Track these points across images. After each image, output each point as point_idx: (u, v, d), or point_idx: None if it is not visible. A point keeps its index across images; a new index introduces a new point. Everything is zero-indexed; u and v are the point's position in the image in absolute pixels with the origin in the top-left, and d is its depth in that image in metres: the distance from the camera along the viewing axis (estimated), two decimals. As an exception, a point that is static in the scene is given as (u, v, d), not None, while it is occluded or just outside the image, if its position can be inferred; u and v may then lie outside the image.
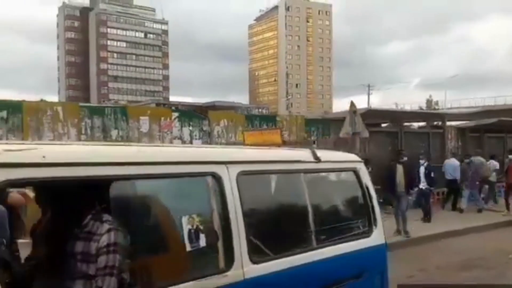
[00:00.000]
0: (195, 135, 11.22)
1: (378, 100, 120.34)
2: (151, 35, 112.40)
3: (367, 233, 3.63)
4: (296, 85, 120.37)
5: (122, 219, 2.27)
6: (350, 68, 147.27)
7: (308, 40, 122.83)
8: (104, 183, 2.23)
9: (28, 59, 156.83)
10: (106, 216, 2.30)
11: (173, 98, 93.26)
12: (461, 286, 6.25)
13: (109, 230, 2.21)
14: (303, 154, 3.34)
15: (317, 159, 3.34)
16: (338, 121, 13.31)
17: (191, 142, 11.03)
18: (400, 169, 9.89)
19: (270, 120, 13.53)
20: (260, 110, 79.24)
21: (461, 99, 57.54)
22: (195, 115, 12.00)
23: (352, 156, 3.86)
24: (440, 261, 8.07)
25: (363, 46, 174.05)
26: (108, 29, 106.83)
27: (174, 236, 2.40)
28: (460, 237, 9.91)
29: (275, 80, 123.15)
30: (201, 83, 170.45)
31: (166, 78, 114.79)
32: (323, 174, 3.53)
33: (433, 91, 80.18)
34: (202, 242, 2.45)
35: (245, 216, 2.66)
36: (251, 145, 3.84)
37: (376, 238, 3.69)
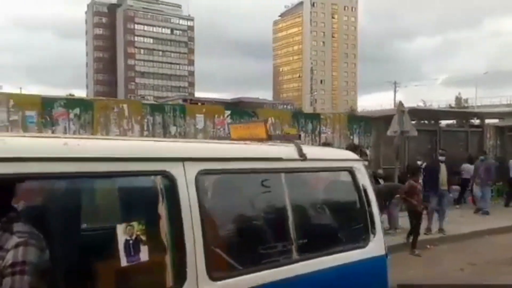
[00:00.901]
0: None
1: (404, 97, 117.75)
2: (177, 31, 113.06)
3: (363, 243, 3.13)
4: (321, 81, 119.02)
5: (39, 227, 1.86)
6: (375, 64, 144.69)
7: (333, 36, 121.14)
8: (17, 182, 1.82)
9: (57, 55, 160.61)
10: (18, 226, 1.85)
11: (198, 94, 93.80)
12: (461, 286, 6.44)
13: (17, 245, 1.78)
14: (286, 150, 2.87)
15: (303, 157, 2.86)
16: (379, 119, 13.53)
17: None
18: (443, 167, 10.11)
19: (314, 118, 13.41)
20: (285, 106, 78.73)
21: (492, 97, 55.34)
22: (246, 113, 12.22)
23: (348, 154, 3.36)
24: (490, 255, 8.25)
25: (388, 41, 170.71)
26: (136, 25, 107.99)
27: (106, 249, 1.98)
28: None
29: (299, 76, 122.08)
30: (224, 79, 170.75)
31: (191, 73, 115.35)
32: (310, 174, 3.04)
33: (459, 88, 77.42)
34: (144, 255, 2.02)
35: (203, 224, 2.22)
36: (236, 140, 3.37)
37: (374, 248, 3.19)
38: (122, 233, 1.98)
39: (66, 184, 2.01)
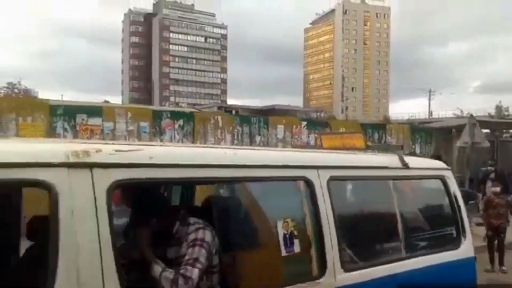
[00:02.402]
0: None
1: (437, 104, 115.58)
2: (211, 39, 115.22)
3: (456, 245, 3.44)
4: (352, 88, 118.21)
5: (216, 221, 2.31)
6: (407, 71, 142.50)
7: (365, 44, 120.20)
8: (198, 184, 2.26)
9: (91, 62, 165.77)
10: (192, 219, 2.37)
11: (229, 101, 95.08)
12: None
13: (197, 229, 2.31)
14: (391, 160, 3.22)
15: (406, 166, 3.21)
16: (439, 130, 14.40)
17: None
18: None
19: (380, 128, 14.29)
20: (318, 113, 78.77)
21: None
22: (320, 124, 13.58)
23: (439, 164, 3.68)
24: None
25: (420, 47, 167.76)
26: (171, 34, 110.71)
27: (270, 240, 2.39)
28: None
29: (330, 84, 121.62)
30: (255, 86, 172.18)
31: (224, 81, 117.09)
32: (411, 181, 3.39)
33: (493, 95, 75.52)
34: (296, 247, 2.43)
35: (336, 223, 2.60)
36: (329, 149, 3.75)
37: (465, 250, 3.49)
38: (280, 228, 2.39)
39: (233, 186, 2.45)
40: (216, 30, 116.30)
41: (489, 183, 10.73)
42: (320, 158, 2.79)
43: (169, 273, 2.13)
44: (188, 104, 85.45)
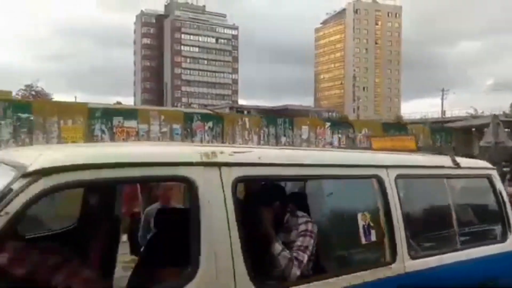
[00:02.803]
0: (342, 141, 13.17)
1: (449, 103, 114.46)
2: (222, 40, 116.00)
3: (502, 239, 3.74)
4: (363, 88, 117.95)
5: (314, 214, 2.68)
6: (418, 70, 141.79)
7: (376, 43, 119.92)
8: (299, 181, 2.62)
9: (101, 63, 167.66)
10: (300, 213, 2.77)
11: (241, 101, 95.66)
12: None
13: (306, 222, 2.71)
14: (444, 160, 3.54)
15: (457, 165, 3.52)
16: (459, 129, 14.67)
17: (339, 147, 12.74)
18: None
19: (402, 128, 15.02)
20: (329, 113, 78.90)
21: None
22: (343, 125, 14.11)
23: (486, 164, 3.99)
24: None
25: (432, 46, 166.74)
26: (182, 35, 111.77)
27: (353, 230, 2.74)
28: None
29: (341, 83, 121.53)
30: (265, 86, 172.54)
31: (235, 82, 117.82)
32: (462, 179, 3.70)
33: (507, 94, 74.94)
34: (373, 237, 2.77)
35: (403, 215, 2.94)
36: (379, 150, 4.09)
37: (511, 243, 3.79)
38: (360, 219, 2.74)
39: (319, 182, 2.81)
40: (227, 31, 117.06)
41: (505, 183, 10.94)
42: (388, 159, 3.14)
43: (287, 253, 2.51)
44: (199, 105, 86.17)
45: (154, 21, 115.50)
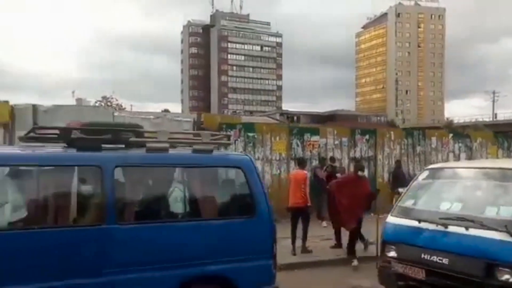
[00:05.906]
0: (462, 150, 15.12)
1: (496, 105, 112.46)
2: (267, 48, 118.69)
3: None
4: (406, 91, 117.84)
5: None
6: (462, 71, 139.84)
7: (419, 46, 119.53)
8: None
9: (148, 72, 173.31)
10: None
11: (284, 107, 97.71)
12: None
13: None
14: None
15: None
16: None
17: (459, 156, 14.86)
18: None
19: (510, 137, 16.72)
20: (378, 118, 79.97)
21: None
22: (461, 135, 15.82)
23: None
24: None
25: (475, 46, 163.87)
26: (229, 44, 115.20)
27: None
28: None
29: (383, 87, 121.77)
30: (307, 90, 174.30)
31: (279, 88, 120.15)
32: None
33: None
34: None
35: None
36: None
37: None
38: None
39: None
40: (271, 38, 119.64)
41: None
42: None
43: None
44: (245, 111, 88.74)
45: (201, 31, 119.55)
